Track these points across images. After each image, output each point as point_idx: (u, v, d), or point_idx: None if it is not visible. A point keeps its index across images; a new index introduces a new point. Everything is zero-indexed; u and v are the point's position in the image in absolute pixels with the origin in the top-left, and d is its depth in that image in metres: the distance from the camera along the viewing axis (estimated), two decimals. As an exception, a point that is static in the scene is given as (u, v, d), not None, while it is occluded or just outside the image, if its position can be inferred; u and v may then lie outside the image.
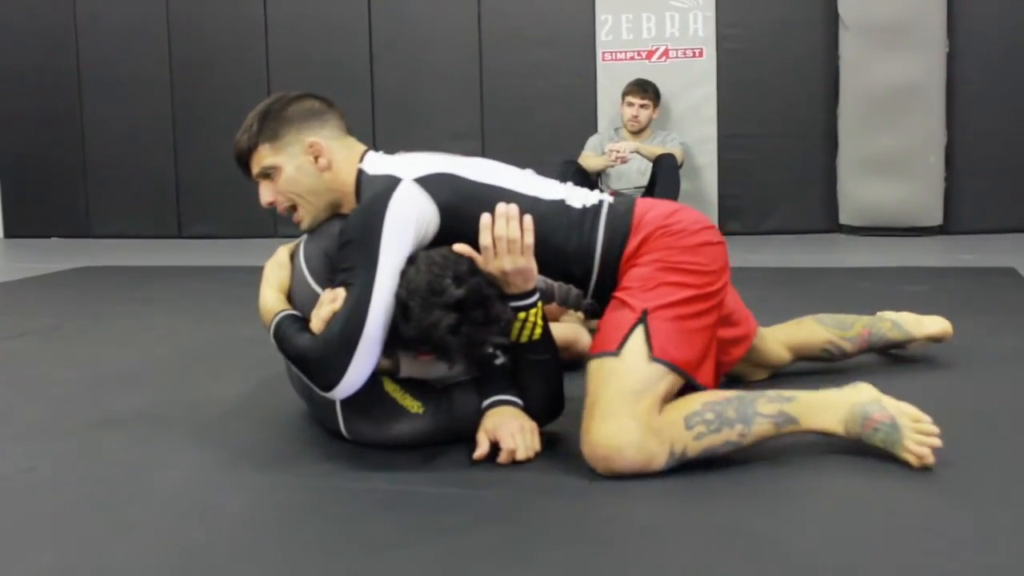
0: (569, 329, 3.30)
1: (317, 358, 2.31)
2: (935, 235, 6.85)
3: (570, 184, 2.64)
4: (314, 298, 2.42)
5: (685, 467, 2.30)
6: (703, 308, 2.44)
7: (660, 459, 2.25)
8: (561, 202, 2.51)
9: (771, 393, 2.35)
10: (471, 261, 2.35)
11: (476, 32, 7.66)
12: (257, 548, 2.02)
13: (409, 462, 2.41)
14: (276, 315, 2.45)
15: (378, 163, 2.52)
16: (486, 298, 2.32)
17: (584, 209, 2.52)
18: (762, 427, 2.30)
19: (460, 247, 2.37)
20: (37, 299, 5.47)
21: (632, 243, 2.47)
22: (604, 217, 2.51)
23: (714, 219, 6.84)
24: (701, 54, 7.29)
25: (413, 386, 2.49)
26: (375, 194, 2.39)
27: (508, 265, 2.36)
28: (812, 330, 3.09)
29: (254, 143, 2.55)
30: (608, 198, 2.58)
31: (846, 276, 5.15)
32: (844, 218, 7.08)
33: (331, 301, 2.34)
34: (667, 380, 2.33)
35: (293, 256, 2.62)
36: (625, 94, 6.87)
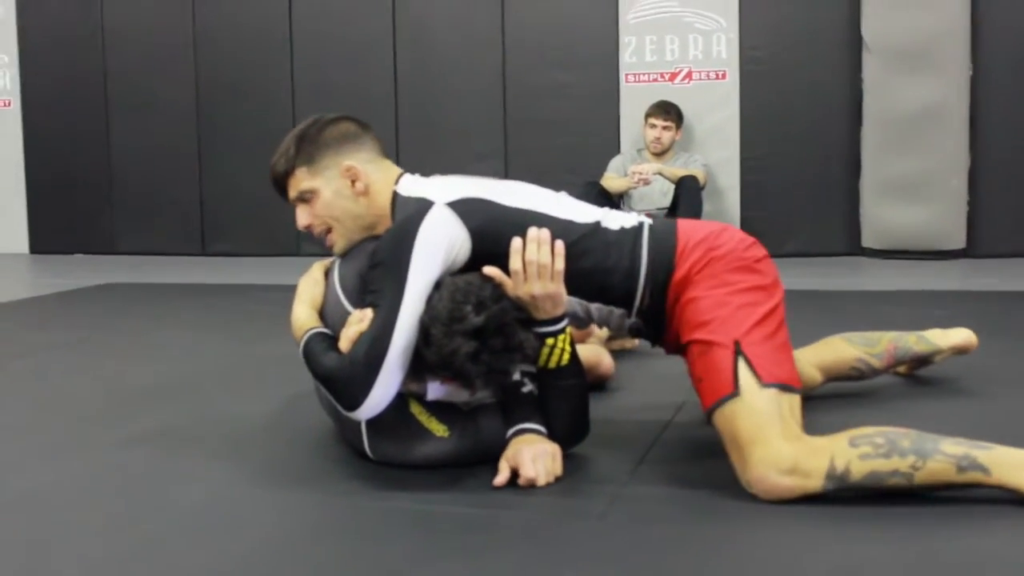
0: (591, 351, 3.31)
1: (342, 378, 2.33)
2: (958, 259, 6.83)
3: (607, 208, 2.65)
4: (346, 317, 2.44)
5: (708, 489, 2.31)
6: (778, 321, 2.43)
7: (818, 476, 2.18)
8: (596, 224, 2.51)
9: (961, 438, 2.19)
10: (495, 287, 2.36)
11: (500, 53, 7.69)
12: (281, 566, 2.02)
13: (433, 482, 2.42)
14: (307, 332, 2.47)
15: (412, 186, 2.54)
16: (506, 326, 2.32)
17: (623, 230, 2.51)
18: (940, 465, 2.14)
19: (490, 270, 2.38)
20: (62, 315, 5.51)
21: (681, 266, 2.46)
22: (646, 238, 2.50)
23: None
24: (724, 76, 7.30)
25: (439, 409, 2.49)
26: (407, 217, 2.40)
27: (538, 290, 2.37)
28: (841, 349, 3.08)
29: (291, 166, 2.57)
30: (647, 220, 2.58)
31: (869, 299, 5.14)
32: (867, 241, 7.06)
33: (359, 321, 2.36)
34: (785, 400, 2.29)
35: (328, 273, 2.64)
36: (648, 116, 6.89)
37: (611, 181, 6.67)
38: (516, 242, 2.38)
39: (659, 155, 6.84)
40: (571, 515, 2.23)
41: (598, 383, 3.31)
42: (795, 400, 2.32)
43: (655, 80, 7.39)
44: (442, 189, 2.47)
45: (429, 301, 2.33)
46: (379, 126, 8.27)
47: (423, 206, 2.40)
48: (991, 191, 6.91)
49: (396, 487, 2.40)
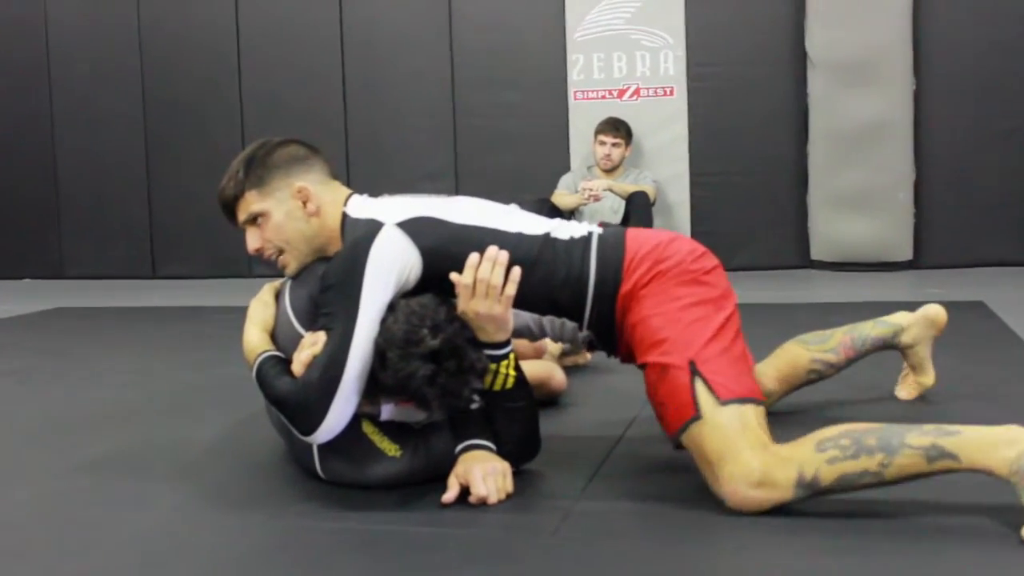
0: (542, 367, 3.31)
1: (296, 403, 2.32)
2: (905, 270, 6.91)
3: (559, 219, 2.64)
4: (298, 340, 2.43)
5: (660, 504, 2.32)
6: (733, 332, 2.43)
7: (787, 486, 2.18)
8: (546, 235, 2.50)
9: (928, 426, 2.17)
10: (449, 309, 2.35)
11: (449, 72, 7.70)
12: (231, 590, 2.02)
13: (384, 502, 2.41)
14: (259, 356, 2.45)
15: (362, 207, 2.53)
16: (460, 348, 2.31)
17: (572, 240, 2.50)
18: (908, 459, 2.12)
19: (455, 276, 2.36)
20: (9, 342, 5.43)
21: (629, 278, 2.45)
22: (595, 248, 2.49)
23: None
24: (672, 92, 7.35)
25: (391, 428, 2.49)
26: (357, 239, 2.40)
27: (483, 309, 2.35)
28: (795, 354, 3.05)
29: (241, 190, 2.55)
30: (597, 229, 2.57)
31: (818, 311, 5.18)
32: (815, 254, 7.13)
33: (311, 345, 2.35)
34: (749, 411, 2.29)
35: (278, 296, 2.62)
36: (597, 133, 6.92)
37: (562, 198, 6.69)
38: (473, 257, 2.37)
39: (609, 172, 6.88)
40: (523, 532, 2.23)
41: (550, 398, 3.32)
42: (759, 410, 2.32)
43: (603, 97, 7.43)
44: (392, 210, 2.46)
45: (383, 323, 2.32)
46: (329, 145, 8.24)
47: (373, 227, 2.40)
48: (937, 203, 7.00)
49: (347, 507, 2.39)
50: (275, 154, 2.58)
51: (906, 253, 6.93)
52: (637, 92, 7.38)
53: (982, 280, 6.29)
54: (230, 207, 2.59)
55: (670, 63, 7.34)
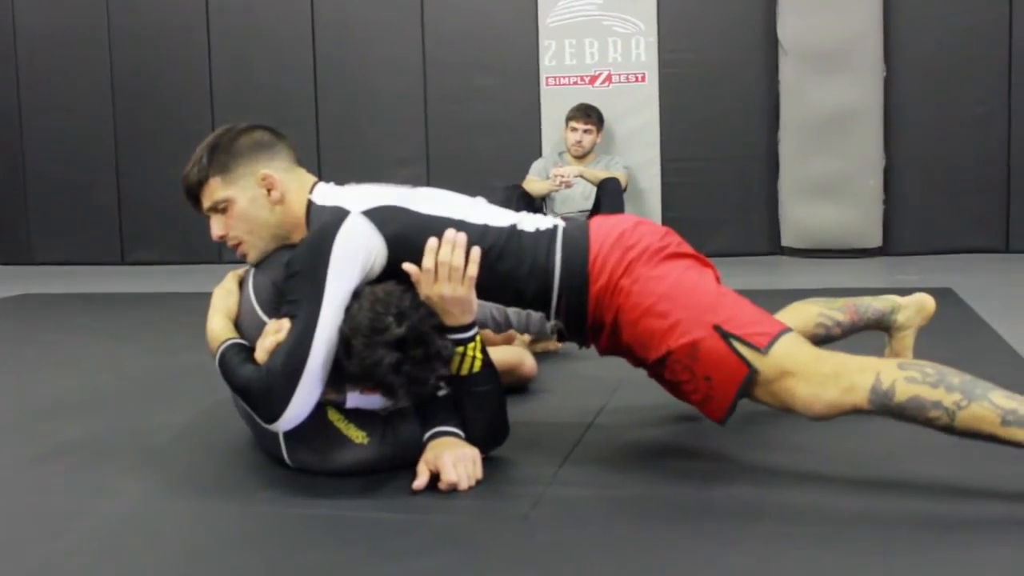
0: (513, 353, 3.31)
1: (260, 390, 2.31)
2: (875, 256, 6.95)
3: (524, 212, 2.64)
4: (262, 327, 2.42)
5: (631, 489, 2.32)
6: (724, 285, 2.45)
7: (863, 390, 2.18)
8: (512, 227, 2.50)
9: (1014, 393, 2.13)
10: (414, 296, 2.35)
11: (420, 58, 7.68)
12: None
13: (353, 488, 2.40)
14: (222, 343, 2.44)
15: (327, 195, 2.52)
16: (426, 335, 2.31)
17: (538, 232, 2.51)
18: (985, 412, 2.09)
19: (408, 267, 2.36)
20: (-24, 328, 5.40)
21: (601, 271, 2.43)
22: (560, 240, 2.49)
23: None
24: (644, 79, 7.35)
25: (357, 416, 2.48)
26: (322, 227, 2.38)
27: (447, 292, 2.35)
28: (803, 307, 3.02)
29: (204, 176, 2.53)
30: (561, 222, 2.58)
31: (790, 297, 5.14)
32: (786, 240, 7.16)
33: (275, 332, 2.34)
34: (791, 341, 2.29)
35: (242, 283, 2.60)
36: (569, 119, 6.92)
37: (533, 184, 6.68)
38: (431, 241, 2.37)
39: (580, 158, 6.87)
40: (493, 517, 2.23)
41: (520, 384, 3.31)
42: (797, 335, 2.34)
43: (575, 83, 7.42)
44: (357, 198, 2.45)
45: (348, 311, 2.32)
46: (300, 131, 8.19)
47: (339, 215, 2.39)
48: (906, 190, 7.04)
49: (315, 494, 2.38)
50: (240, 140, 2.55)
51: (876, 240, 6.97)
52: (609, 78, 7.38)
53: (951, 267, 6.33)
54: (194, 194, 2.57)
55: (642, 49, 7.34)
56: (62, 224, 8.32)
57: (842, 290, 5.22)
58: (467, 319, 2.41)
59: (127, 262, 8.20)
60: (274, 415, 2.32)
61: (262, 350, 2.34)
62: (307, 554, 2.07)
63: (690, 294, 2.38)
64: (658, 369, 2.44)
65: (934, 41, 6.97)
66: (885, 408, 2.18)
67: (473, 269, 2.37)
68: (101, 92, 8.16)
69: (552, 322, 2.55)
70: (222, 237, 2.56)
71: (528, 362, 3.34)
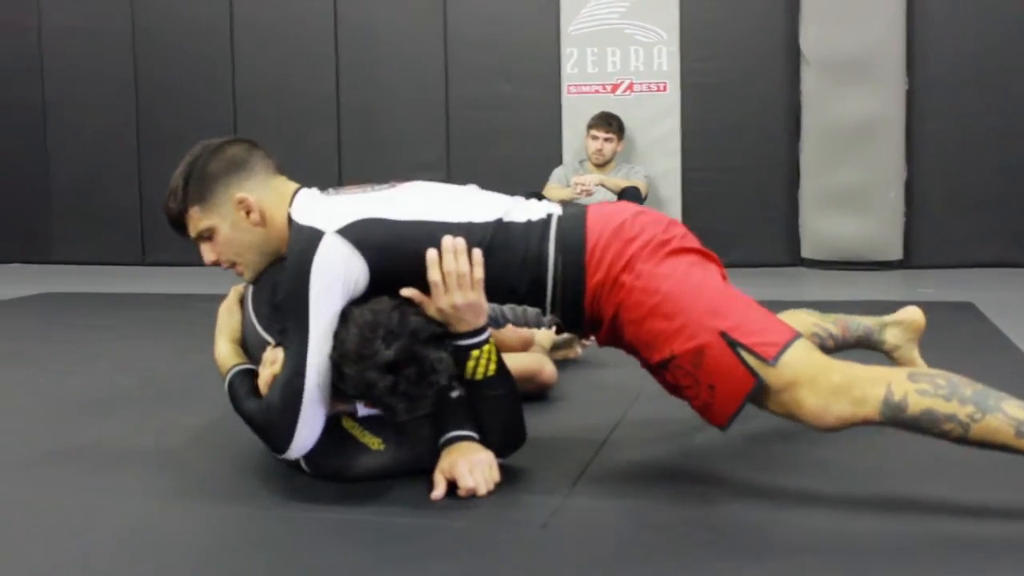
0: (533, 360, 3.30)
1: (263, 424, 2.37)
2: (895, 269, 6.92)
3: (518, 197, 2.56)
4: (264, 345, 2.47)
5: (651, 500, 2.31)
6: (730, 284, 2.40)
7: (875, 402, 2.14)
8: (499, 221, 2.42)
9: (1022, 402, 2.11)
10: (402, 314, 2.30)
11: (443, 63, 7.69)
12: (216, 579, 2.01)
13: (368, 492, 2.40)
14: (228, 371, 2.50)
15: (305, 209, 2.43)
16: (418, 353, 2.28)
17: (529, 224, 2.43)
18: (999, 424, 2.07)
19: (408, 292, 2.35)
20: (-3, 326, 5.43)
21: (600, 263, 2.37)
22: (554, 230, 2.42)
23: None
24: (665, 88, 7.34)
25: (371, 422, 2.48)
26: (299, 254, 2.33)
27: (459, 300, 2.33)
28: (799, 316, 2.95)
29: (183, 208, 2.50)
30: (557, 210, 2.49)
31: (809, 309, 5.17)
32: (806, 252, 7.14)
33: (271, 364, 2.37)
34: (800, 350, 2.24)
35: (242, 301, 2.63)
36: (590, 127, 6.91)
37: (553, 191, 6.68)
38: (432, 254, 2.33)
39: (601, 166, 6.87)
40: (512, 524, 2.23)
41: (540, 392, 3.31)
42: (806, 342, 2.28)
43: (597, 91, 7.42)
44: (333, 213, 2.37)
45: (337, 336, 2.30)
46: (322, 134, 8.22)
47: (313, 239, 2.32)
48: (927, 203, 7.01)
49: (332, 498, 2.38)
50: (211, 165, 2.48)
51: (896, 252, 6.94)
52: (630, 87, 7.38)
53: (972, 281, 6.29)
54: (178, 225, 2.55)
55: (664, 58, 7.34)
56: (83, 223, 8.35)
57: (861, 303, 5.21)
58: (480, 322, 2.39)
59: (147, 263, 8.22)
60: (281, 448, 2.36)
61: (262, 382, 2.39)
62: (323, 558, 2.07)
63: (696, 295, 2.31)
64: (659, 371, 2.39)
65: (957, 53, 6.94)
66: (897, 421, 2.14)
67: (479, 271, 2.34)
68: (124, 92, 8.20)
69: (548, 316, 2.48)
70: (214, 262, 2.55)
71: (548, 369, 3.33)
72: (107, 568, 2.07)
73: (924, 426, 2.12)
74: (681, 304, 2.31)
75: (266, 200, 2.48)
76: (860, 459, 2.57)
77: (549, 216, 2.46)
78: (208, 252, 2.54)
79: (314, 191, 2.52)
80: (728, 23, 7.27)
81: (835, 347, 2.93)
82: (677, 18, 7.30)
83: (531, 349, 3.50)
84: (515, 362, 3.14)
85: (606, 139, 6.85)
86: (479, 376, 2.42)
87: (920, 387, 2.13)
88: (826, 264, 7.01)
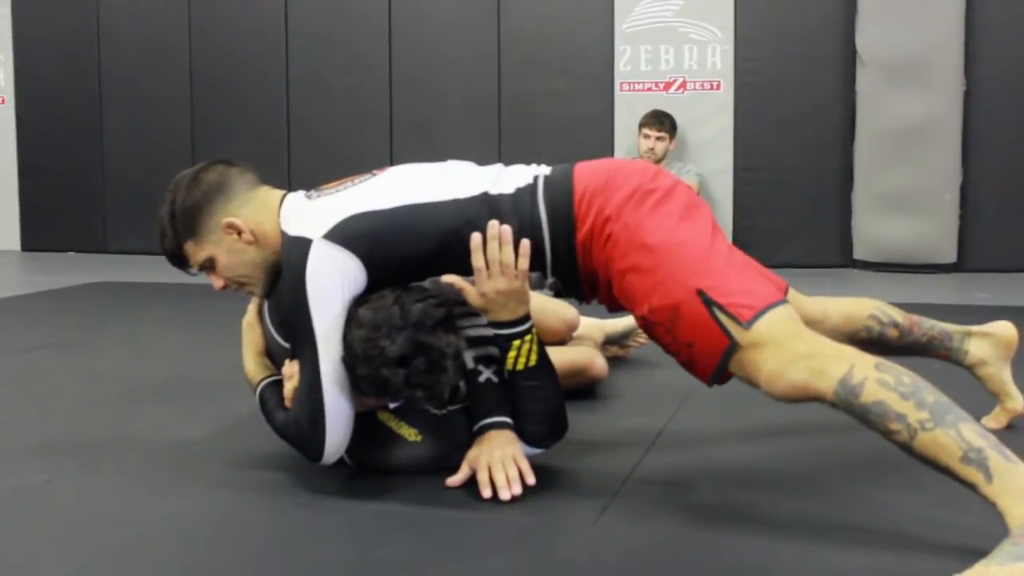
0: (583, 353, 3.29)
1: (293, 437, 2.42)
2: (949, 272, 6.84)
3: (499, 166, 2.53)
4: (286, 353, 2.52)
5: (703, 497, 2.30)
6: (723, 239, 2.32)
7: (832, 378, 2.03)
8: (484, 195, 2.38)
9: (991, 435, 1.94)
10: (403, 306, 2.29)
11: (495, 60, 7.69)
12: (268, 570, 2.03)
13: (423, 485, 2.41)
14: (257, 385, 2.55)
15: (293, 218, 2.41)
16: (423, 343, 2.27)
17: (518, 192, 2.39)
18: (947, 441, 1.92)
19: (450, 278, 2.36)
20: (51, 313, 5.49)
21: (586, 215, 2.33)
22: (542, 192, 2.39)
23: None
24: (719, 87, 7.31)
25: (407, 413, 2.49)
26: (292, 267, 2.33)
27: (502, 286, 2.32)
28: (861, 300, 2.81)
29: (177, 245, 2.49)
30: (545, 170, 2.46)
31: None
32: (858, 253, 7.08)
33: (290, 377, 2.42)
34: (776, 318, 2.17)
35: (261, 313, 2.68)
36: (642, 125, 6.90)
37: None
38: (475, 238, 2.31)
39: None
40: (564, 520, 2.24)
41: (590, 385, 3.31)
42: (787, 309, 2.21)
43: (649, 89, 7.40)
44: (318, 217, 2.36)
45: (344, 340, 2.31)
46: (374, 131, 8.25)
47: (302, 249, 2.32)
48: (983, 206, 6.92)
49: (385, 490, 2.40)
50: (190, 197, 2.46)
51: (950, 256, 6.87)
52: (684, 85, 7.35)
53: (1027, 285, 6.22)
54: (178, 263, 2.55)
55: (718, 57, 7.30)
56: (138, 214, 8.42)
57: (914, 306, 5.16)
58: (522, 310, 2.38)
59: (199, 254, 8.27)
60: (316, 455, 2.39)
61: (287, 396, 2.44)
62: (378, 549, 2.09)
63: (678, 251, 2.25)
64: (644, 328, 2.35)
65: (1015, 55, 6.85)
66: (848, 405, 2.02)
67: (524, 262, 2.32)
68: (180, 88, 8.27)
69: (550, 279, 2.45)
70: (224, 287, 2.55)
71: (599, 363, 3.32)
72: (168, 556, 2.10)
73: (872, 419, 2.00)
74: (662, 259, 2.25)
75: (253, 218, 2.45)
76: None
77: (536, 179, 2.43)
78: (215, 280, 2.53)
79: (298, 196, 2.49)
80: (784, 22, 7.22)
81: (899, 339, 2.75)
82: (732, 16, 7.26)
83: (580, 342, 3.47)
84: (566, 356, 3.15)
85: (658, 138, 6.83)
86: (520, 367, 2.41)
87: (882, 377, 2.01)
88: (878, 266, 6.95)
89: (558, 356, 3.13)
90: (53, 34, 8.52)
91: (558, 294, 2.54)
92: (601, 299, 2.50)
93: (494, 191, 2.40)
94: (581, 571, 1.99)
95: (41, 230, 8.68)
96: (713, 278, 2.21)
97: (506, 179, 2.44)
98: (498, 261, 2.31)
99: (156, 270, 7.25)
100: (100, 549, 2.11)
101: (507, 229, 2.32)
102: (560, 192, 2.38)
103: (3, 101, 8.68)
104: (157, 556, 2.09)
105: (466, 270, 2.36)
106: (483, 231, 2.33)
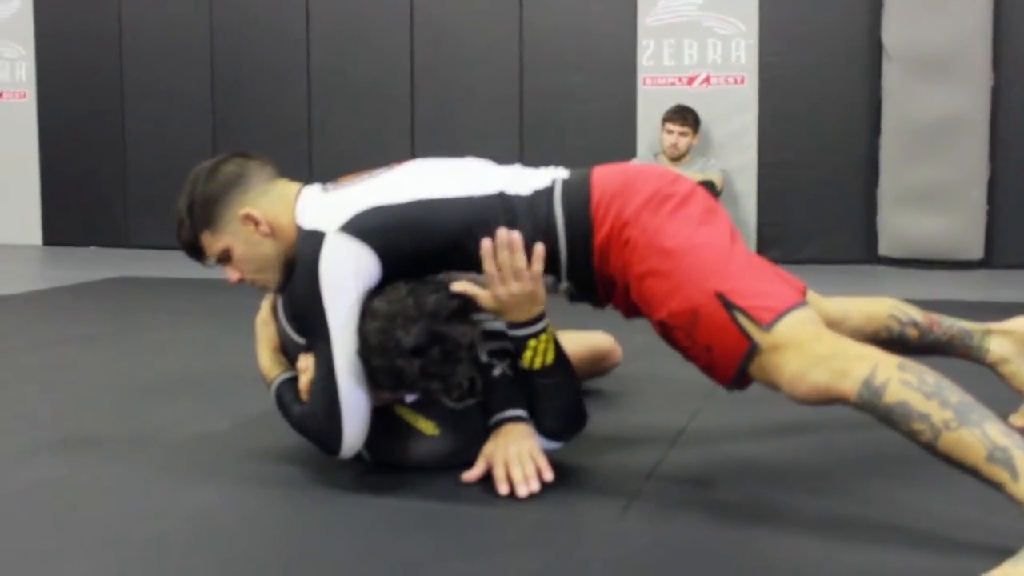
0: (603, 339, 3.27)
1: (311, 431, 2.40)
2: (975, 269, 6.78)
3: (517, 166, 2.53)
4: (300, 349, 2.50)
5: (727, 494, 2.27)
6: (741, 243, 2.31)
7: (855, 379, 2.02)
8: (500, 194, 2.37)
9: (1016, 435, 1.91)
10: (417, 297, 2.28)
11: (517, 55, 7.67)
12: (291, 565, 2.01)
13: (441, 481, 2.40)
14: (273, 381, 2.54)
15: (309, 212, 2.41)
16: (438, 333, 2.26)
17: (535, 194, 2.38)
18: (972, 440, 1.89)
19: (462, 285, 2.33)
20: (73, 307, 5.50)
21: (603, 220, 2.32)
22: (559, 196, 2.37)
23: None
24: (743, 81, 7.26)
25: (424, 407, 2.48)
26: (306, 260, 2.33)
27: (516, 289, 2.30)
28: (876, 300, 2.80)
29: (194, 235, 2.49)
30: (563, 174, 2.45)
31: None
32: (883, 249, 7.02)
33: (305, 371, 2.41)
34: (796, 320, 2.15)
35: (275, 309, 2.66)
36: (665, 120, 6.86)
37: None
38: (486, 245, 2.30)
39: (676, 160, 6.81)
40: (586, 517, 2.22)
41: (607, 371, 3.29)
42: (807, 312, 2.20)
43: (673, 84, 7.36)
44: (333, 210, 2.36)
45: (359, 332, 2.30)
46: (396, 126, 8.25)
47: (317, 241, 2.31)
48: (1011, 202, 6.85)
49: (403, 486, 2.38)
50: (209, 188, 2.47)
51: (977, 252, 6.80)
52: (707, 80, 7.30)
53: (1055, 282, 6.16)
54: (195, 254, 2.55)
55: (742, 51, 7.25)
56: (159, 209, 8.40)
57: (940, 303, 5.11)
58: (537, 310, 2.36)
59: (221, 249, 8.28)
60: (333, 449, 2.37)
61: (302, 389, 2.43)
62: (401, 544, 2.07)
63: (696, 254, 2.24)
64: (663, 332, 2.32)
65: (1044, 50, 6.80)
66: (871, 406, 2.01)
67: (538, 266, 2.30)
68: (201, 84, 8.28)
69: (564, 284, 2.44)
70: (239, 280, 2.54)
71: (617, 348, 3.30)
72: (190, 550, 2.09)
73: (896, 419, 1.98)
74: (680, 263, 2.24)
75: (271, 209, 2.46)
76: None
77: (553, 182, 2.42)
78: (231, 272, 2.52)
79: (315, 189, 2.50)
80: (808, 16, 7.16)
81: (919, 338, 2.73)
82: (756, 10, 7.21)
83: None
84: (588, 341, 3.14)
85: (681, 133, 6.79)
86: (536, 366, 2.40)
87: (905, 377, 1.99)
88: (904, 262, 6.89)
89: (580, 342, 3.11)
90: (74, 30, 8.55)
91: (572, 298, 2.53)
92: (616, 304, 2.49)
93: (511, 191, 2.39)
94: (605, 568, 1.96)
95: (62, 225, 8.71)
96: (733, 281, 2.20)
97: (524, 180, 2.43)
98: (508, 267, 2.30)
99: (178, 264, 7.26)
100: (125, 545, 2.10)
101: (517, 236, 2.30)
102: (578, 195, 2.38)
103: (24, 96, 8.71)
104: (180, 549, 2.08)
105: (480, 267, 2.35)
106: (497, 230, 2.32)
